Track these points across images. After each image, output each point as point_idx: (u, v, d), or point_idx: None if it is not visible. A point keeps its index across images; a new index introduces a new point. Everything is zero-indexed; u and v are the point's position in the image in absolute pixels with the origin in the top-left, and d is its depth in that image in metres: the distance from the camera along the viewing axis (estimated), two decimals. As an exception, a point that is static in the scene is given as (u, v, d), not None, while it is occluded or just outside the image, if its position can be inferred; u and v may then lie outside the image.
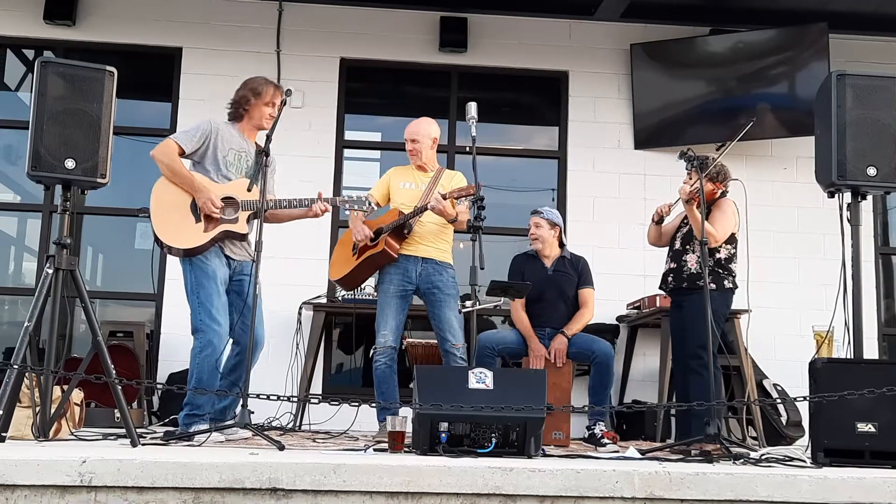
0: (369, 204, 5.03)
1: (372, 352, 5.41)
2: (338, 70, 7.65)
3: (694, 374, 5.13)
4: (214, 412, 4.83)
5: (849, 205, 4.52)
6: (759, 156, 7.61)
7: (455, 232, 5.46)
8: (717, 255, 5.33)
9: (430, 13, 7.67)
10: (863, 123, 4.40)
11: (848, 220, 4.51)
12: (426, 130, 5.53)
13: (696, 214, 4.99)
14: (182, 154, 4.82)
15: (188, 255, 4.77)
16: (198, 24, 7.57)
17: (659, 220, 5.57)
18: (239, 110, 5.01)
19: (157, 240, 4.80)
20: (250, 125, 5.03)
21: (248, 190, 4.74)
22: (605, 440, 5.30)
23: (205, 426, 4.65)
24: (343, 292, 6.51)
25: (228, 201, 4.81)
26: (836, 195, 4.54)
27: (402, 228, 5.31)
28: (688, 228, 5.44)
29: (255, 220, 4.73)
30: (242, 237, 4.85)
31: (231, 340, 4.90)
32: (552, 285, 5.84)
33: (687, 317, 5.29)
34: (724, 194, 5.42)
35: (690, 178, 5.28)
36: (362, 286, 5.84)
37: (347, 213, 5.27)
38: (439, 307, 5.31)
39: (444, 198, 5.16)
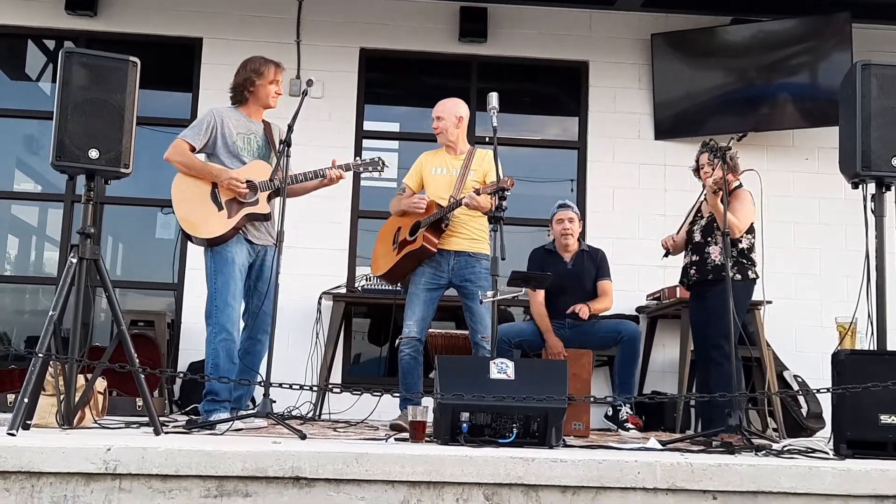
0: (382, 164, 5.09)
1: (398, 342, 5.42)
2: (357, 60, 7.65)
3: (715, 364, 5.10)
4: (231, 399, 4.87)
5: (873, 196, 4.48)
6: (781, 146, 7.56)
7: None
8: (740, 245, 5.27)
9: (449, 3, 7.64)
10: (888, 113, 4.36)
11: (872, 211, 4.47)
12: (451, 108, 5.47)
13: (720, 206, 4.97)
14: (193, 150, 4.91)
15: (213, 245, 4.83)
16: (218, 14, 7.59)
17: (666, 254, 5.56)
18: (244, 93, 5.04)
19: (183, 233, 4.89)
20: (256, 105, 5.06)
21: (271, 180, 4.78)
22: (630, 424, 5.29)
23: (225, 413, 4.69)
24: (363, 282, 6.53)
25: (247, 184, 4.86)
26: (861, 186, 4.51)
27: (439, 223, 5.27)
28: (706, 221, 5.39)
29: (276, 199, 4.83)
30: (265, 217, 4.90)
31: (243, 325, 4.97)
32: (572, 279, 5.85)
33: (710, 308, 5.21)
34: (739, 185, 5.37)
35: (710, 169, 5.23)
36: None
37: (362, 171, 5.23)
38: (473, 299, 5.26)
39: (478, 193, 5.13)
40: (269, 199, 4.90)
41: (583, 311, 5.71)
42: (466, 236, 5.32)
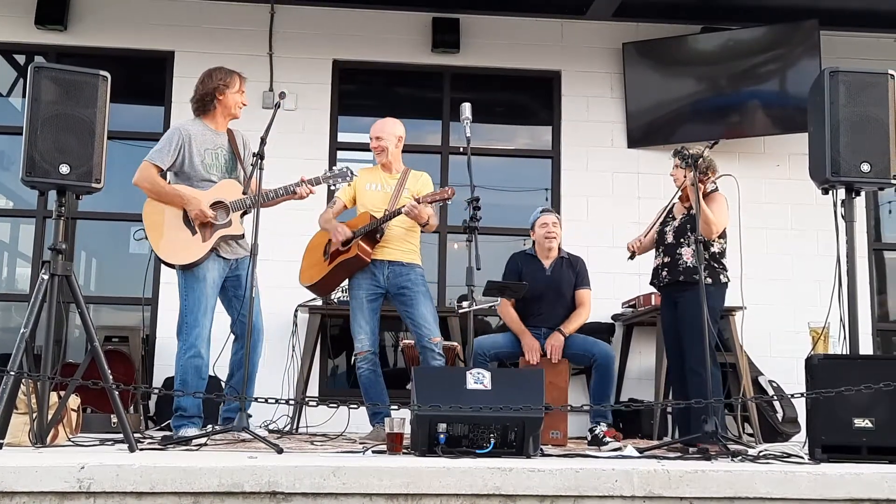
0: (351, 173, 5.09)
1: (353, 358, 5.42)
2: (331, 72, 7.65)
3: (694, 374, 5.02)
4: (228, 412, 4.84)
5: (843, 201, 4.53)
6: (752, 153, 7.63)
7: (431, 232, 5.46)
8: (711, 249, 5.23)
9: (422, 14, 7.67)
10: (856, 120, 4.42)
11: (842, 217, 4.52)
12: (391, 129, 5.53)
13: (704, 210, 4.97)
14: (161, 171, 4.89)
15: (189, 269, 4.83)
16: (189, 28, 7.56)
17: (632, 256, 5.53)
18: (212, 103, 5.02)
19: (160, 260, 4.89)
20: (223, 115, 5.05)
21: (244, 193, 4.77)
22: (607, 438, 5.29)
23: (194, 429, 4.67)
24: (338, 294, 6.50)
25: (217, 205, 4.85)
26: (831, 192, 4.55)
27: (374, 233, 5.28)
28: (679, 222, 5.37)
29: (248, 216, 4.82)
30: (240, 237, 4.88)
31: (234, 337, 5.00)
32: (551, 286, 5.83)
33: (684, 315, 5.16)
34: (715, 189, 5.36)
35: (677, 175, 5.27)
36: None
37: (335, 187, 5.26)
38: (412, 304, 5.29)
39: (419, 202, 5.16)
40: (242, 217, 4.89)
41: (554, 354, 5.65)
42: (399, 248, 5.36)
